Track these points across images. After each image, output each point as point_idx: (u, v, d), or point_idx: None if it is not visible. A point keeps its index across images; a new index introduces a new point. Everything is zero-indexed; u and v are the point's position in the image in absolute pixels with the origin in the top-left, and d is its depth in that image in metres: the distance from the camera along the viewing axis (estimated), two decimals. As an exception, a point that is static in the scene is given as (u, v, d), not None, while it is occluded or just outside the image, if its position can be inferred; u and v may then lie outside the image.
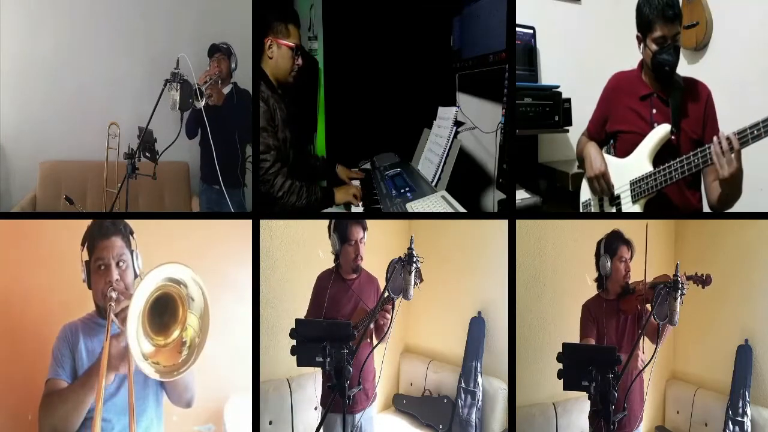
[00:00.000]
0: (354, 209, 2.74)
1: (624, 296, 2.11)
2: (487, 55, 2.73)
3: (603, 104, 2.47)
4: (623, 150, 2.36)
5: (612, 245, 2.12)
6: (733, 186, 2.09)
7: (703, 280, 1.93)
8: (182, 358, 1.69)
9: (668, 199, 2.28)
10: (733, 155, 1.98)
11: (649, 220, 2.01)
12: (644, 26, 2.21)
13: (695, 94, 2.28)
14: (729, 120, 2.25)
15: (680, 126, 2.23)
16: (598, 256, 2.15)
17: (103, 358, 1.67)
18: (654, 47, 2.20)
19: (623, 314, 2.11)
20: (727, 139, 1.98)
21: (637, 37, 2.27)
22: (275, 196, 2.47)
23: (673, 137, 2.22)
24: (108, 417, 1.84)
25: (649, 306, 1.92)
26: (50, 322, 1.99)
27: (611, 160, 2.37)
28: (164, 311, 1.70)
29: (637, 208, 2.29)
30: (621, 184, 2.33)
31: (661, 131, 2.23)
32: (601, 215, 2.41)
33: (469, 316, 2.72)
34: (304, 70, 2.75)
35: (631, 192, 2.29)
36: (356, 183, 3.08)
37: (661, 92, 2.29)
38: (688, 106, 2.26)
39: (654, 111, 2.29)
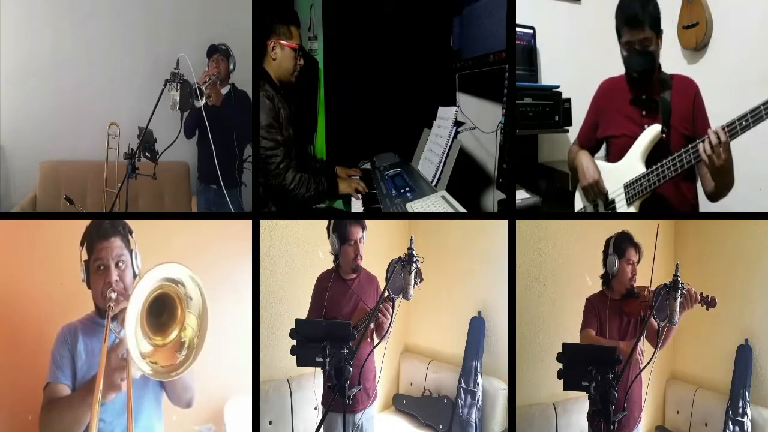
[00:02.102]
0: (354, 204, 2.75)
1: (628, 298, 2.11)
2: (487, 55, 2.73)
3: (592, 111, 2.49)
4: (615, 154, 2.36)
5: (620, 246, 2.12)
6: (723, 176, 2.10)
7: (709, 302, 1.93)
8: (180, 358, 1.69)
9: (663, 197, 2.28)
10: (721, 148, 1.99)
11: (655, 224, 2.01)
12: (617, 31, 2.26)
13: (683, 91, 2.28)
14: (728, 120, 2.25)
15: (671, 124, 2.24)
16: (606, 254, 2.15)
17: (101, 361, 1.67)
18: (624, 53, 2.24)
19: (626, 317, 2.11)
20: (715, 133, 1.99)
21: (618, 41, 2.30)
22: (288, 188, 2.55)
23: (664, 136, 2.22)
24: (108, 418, 1.84)
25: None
26: (50, 322, 1.99)
27: (604, 166, 2.38)
28: (163, 311, 1.70)
29: (632, 210, 2.29)
30: (615, 188, 2.33)
31: (651, 132, 2.24)
32: (601, 215, 2.41)
33: (469, 316, 2.72)
34: (305, 70, 2.77)
35: (626, 195, 2.29)
36: (357, 178, 3.10)
37: (650, 93, 2.29)
38: (677, 104, 2.26)
39: (643, 112, 2.29)
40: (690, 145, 2.09)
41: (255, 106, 2.56)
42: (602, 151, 2.53)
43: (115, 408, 1.84)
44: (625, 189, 2.29)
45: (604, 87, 2.45)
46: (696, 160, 2.09)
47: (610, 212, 2.37)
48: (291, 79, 2.69)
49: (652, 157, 2.23)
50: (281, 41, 2.59)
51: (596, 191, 2.36)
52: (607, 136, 2.41)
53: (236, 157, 3.20)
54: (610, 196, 2.35)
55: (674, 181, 2.24)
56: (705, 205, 2.35)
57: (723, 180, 2.13)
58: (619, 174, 2.31)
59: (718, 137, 1.98)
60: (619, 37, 2.25)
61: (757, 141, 2.04)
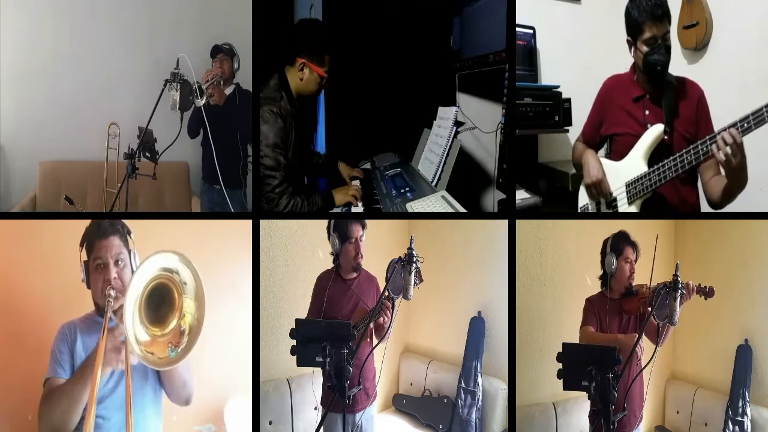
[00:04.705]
0: (354, 209, 2.74)
1: (627, 297, 2.12)
2: (487, 55, 2.73)
3: (597, 108, 2.48)
4: (619, 152, 2.36)
5: (618, 245, 2.13)
6: (738, 175, 2.07)
7: (707, 292, 1.93)
8: (181, 347, 1.69)
9: (664, 198, 2.28)
10: (737, 147, 1.97)
11: (655, 224, 2.01)
12: (634, 29, 2.21)
13: (687, 93, 2.28)
14: (729, 120, 2.25)
15: (673, 126, 2.24)
16: (603, 254, 2.16)
17: (99, 351, 1.68)
18: (645, 49, 2.20)
19: (626, 314, 2.12)
20: (729, 133, 1.96)
21: (628, 41, 2.26)
22: (278, 213, 2.48)
23: (666, 137, 2.23)
24: (105, 414, 1.84)
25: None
26: (50, 321, 1.99)
27: (607, 164, 2.38)
28: (161, 303, 1.72)
29: (633, 209, 2.29)
30: (617, 187, 2.33)
31: (654, 132, 2.23)
32: (601, 215, 2.41)
33: (469, 316, 2.72)
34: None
35: (627, 194, 2.29)
36: (356, 183, 3.08)
37: (654, 93, 2.29)
38: (681, 106, 2.26)
39: (647, 112, 2.29)
40: (691, 146, 2.08)
41: (255, 105, 2.55)
42: (603, 148, 2.53)
43: (114, 405, 1.85)
44: (626, 188, 2.29)
45: (608, 84, 2.45)
46: (696, 162, 2.09)
47: (610, 212, 2.37)
48: (307, 96, 2.61)
49: (654, 157, 2.23)
50: (313, 65, 2.49)
51: (599, 191, 2.36)
52: (610, 134, 2.41)
53: (240, 157, 3.20)
54: (612, 194, 2.35)
55: (674, 184, 2.24)
56: (705, 205, 2.35)
57: (738, 179, 2.09)
58: (622, 172, 2.31)
59: (733, 137, 1.96)
60: (639, 33, 2.19)
61: (757, 141, 2.03)
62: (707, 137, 2.04)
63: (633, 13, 2.19)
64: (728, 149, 1.96)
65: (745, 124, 1.95)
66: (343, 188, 2.88)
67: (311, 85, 2.55)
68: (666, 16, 2.17)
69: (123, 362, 1.71)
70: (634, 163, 2.27)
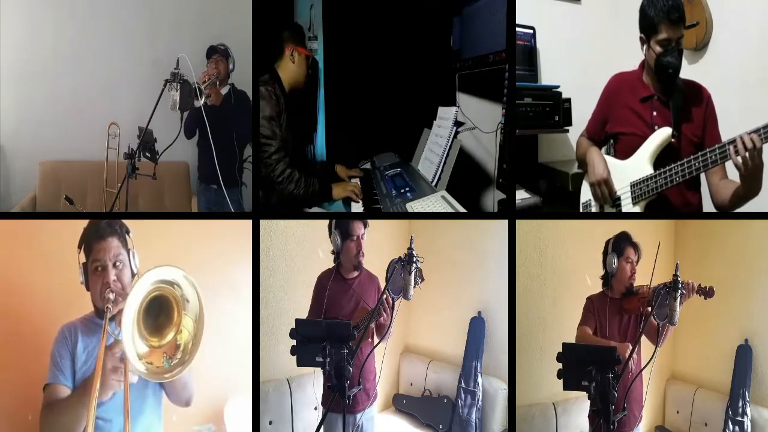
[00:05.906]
0: (354, 204, 2.76)
1: (628, 296, 2.12)
2: (487, 55, 2.74)
3: (603, 105, 2.47)
4: (623, 151, 2.35)
5: (619, 245, 2.13)
6: (754, 181, 2.06)
7: (706, 292, 1.93)
8: (175, 361, 1.69)
9: (669, 200, 2.28)
10: (756, 153, 1.95)
11: (655, 224, 2.01)
12: (648, 28, 2.20)
13: (696, 97, 2.28)
14: (729, 120, 2.26)
15: (681, 129, 2.23)
16: (605, 253, 2.16)
17: (98, 362, 1.67)
18: (658, 49, 2.19)
19: (626, 314, 2.12)
20: (750, 138, 1.95)
21: (641, 38, 2.26)
22: (275, 180, 2.60)
23: (673, 140, 2.22)
24: (108, 416, 1.84)
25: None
26: (50, 321, 1.98)
27: (612, 162, 2.37)
28: (159, 313, 1.70)
29: (637, 210, 2.29)
30: (621, 186, 2.32)
31: (662, 134, 2.23)
32: (601, 215, 2.41)
33: (469, 316, 2.72)
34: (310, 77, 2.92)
35: (632, 194, 2.28)
36: (356, 181, 3.09)
37: (662, 94, 2.28)
38: (689, 109, 2.25)
39: (654, 113, 2.28)
40: (700, 153, 2.08)
41: (255, 107, 2.56)
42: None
43: (116, 407, 1.84)
44: (631, 188, 2.29)
45: (615, 82, 2.43)
46: (704, 169, 2.09)
47: (610, 212, 2.37)
48: (300, 85, 2.82)
49: (659, 160, 2.23)
50: (300, 48, 2.78)
51: (603, 189, 2.34)
52: (615, 132, 2.39)
53: (236, 157, 3.22)
54: (616, 194, 2.34)
55: (679, 188, 2.24)
56: (707, 205, 2.35)
57: (752, 184, 2.08)
58: (626, 172, 2.30)
59: (753, 142, 1.94)
60: (653, 33, 2.19)
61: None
62: (717, 146, 2.03)
63: (649, 12, 2.18)
64: (747, 154, 1.95)
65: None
66: (342, 183, 2.91)
67: (302, 68, 2.82)
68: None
69: (123, 384, 1.69)
70: (640, 165, 2.26)
